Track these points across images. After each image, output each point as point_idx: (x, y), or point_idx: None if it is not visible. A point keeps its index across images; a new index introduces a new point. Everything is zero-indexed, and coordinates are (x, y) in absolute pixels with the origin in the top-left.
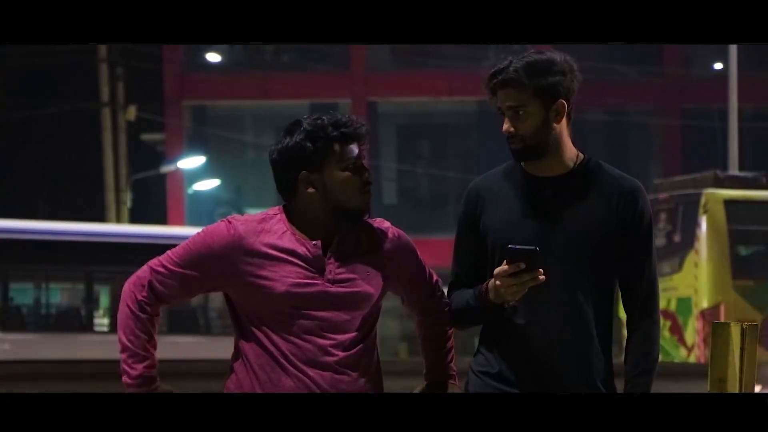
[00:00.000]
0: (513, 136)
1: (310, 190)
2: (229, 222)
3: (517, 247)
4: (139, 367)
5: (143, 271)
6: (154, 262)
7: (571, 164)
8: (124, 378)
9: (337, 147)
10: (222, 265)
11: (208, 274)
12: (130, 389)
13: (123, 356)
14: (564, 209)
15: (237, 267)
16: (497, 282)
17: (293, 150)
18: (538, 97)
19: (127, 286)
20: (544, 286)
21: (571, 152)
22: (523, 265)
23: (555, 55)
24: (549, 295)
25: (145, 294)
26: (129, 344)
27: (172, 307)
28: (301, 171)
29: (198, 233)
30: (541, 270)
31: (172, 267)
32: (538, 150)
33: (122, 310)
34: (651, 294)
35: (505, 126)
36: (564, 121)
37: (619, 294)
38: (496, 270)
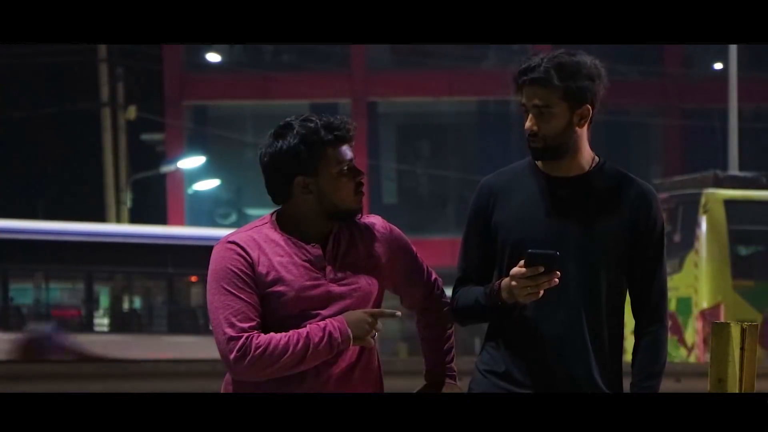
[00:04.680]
0: (535, 135)
1: (306, 194)
2: (229, 243)
3: (538, 251)
4: (320, 331)
5: (232, 346)
6: (228, 331)
7: (587, 167)
8: (336, 341)
9: (330, 151)
10: (254, 279)
11: (256, 288)
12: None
13: (313, 348)
14: (577, 210)
15: (256, 281)
16: (513, 282)
17: (287, 155)
18: (565, 100)
19: (247, 363)
20: (554, 287)
21: (587, 155)
22: (541, 269)
23: (585, 58)
24: (559, 296)
25: (253, 344)
26: (301, 346)
27: (171, 307)
28: (296, 176)
29: (216, 276)
30: (558, 273)
31: (246, 315)
32: (557, 151)
33: (273, 367)
34: (661, 298)
35: (528, 124)
36: (586, 125)
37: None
38: (513, 271)
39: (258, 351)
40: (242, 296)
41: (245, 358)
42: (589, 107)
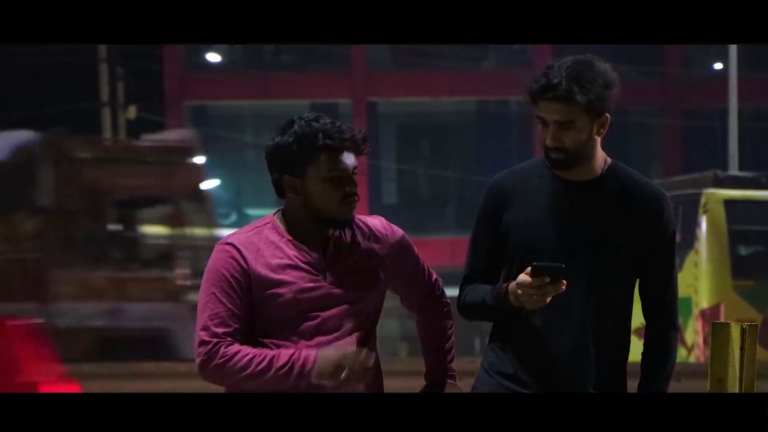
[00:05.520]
0: (556, 148)
1: (294, 195)
2: (227, 245)
3: (544, 264)
4: (284, 358)
5: (201, 350)
6: (201, 335)
7: (599, 170)
8: (297, 371)
9: (322, 156)
10: (244, 284)
11: (244, 294)
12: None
13: (278, 372)
14: (589, 213)
15: (251, 284)
16: (518, 291)
17: (280, 151)
18: (587, 113)
19: (210, 369)
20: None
21: (600, 158)
22: (547, 279)
23: (599, 65)
24: (568, 299)
25: (219, 352)
26: (263, 367)
27: None
28: (284, 174)
29: (207, 276)
30: (564, 282)
31: (223, 320)
32: (577, 160)
33: (232, 379)
34: (672, 301)
35: (549, 139)
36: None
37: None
38: (519, 278)
39: (221, 360)
40: (224, 301)
41: (209, 364)
42: (607, 115)
